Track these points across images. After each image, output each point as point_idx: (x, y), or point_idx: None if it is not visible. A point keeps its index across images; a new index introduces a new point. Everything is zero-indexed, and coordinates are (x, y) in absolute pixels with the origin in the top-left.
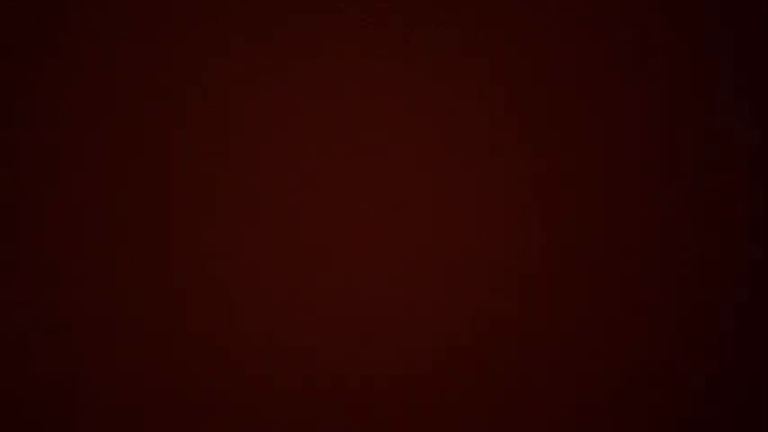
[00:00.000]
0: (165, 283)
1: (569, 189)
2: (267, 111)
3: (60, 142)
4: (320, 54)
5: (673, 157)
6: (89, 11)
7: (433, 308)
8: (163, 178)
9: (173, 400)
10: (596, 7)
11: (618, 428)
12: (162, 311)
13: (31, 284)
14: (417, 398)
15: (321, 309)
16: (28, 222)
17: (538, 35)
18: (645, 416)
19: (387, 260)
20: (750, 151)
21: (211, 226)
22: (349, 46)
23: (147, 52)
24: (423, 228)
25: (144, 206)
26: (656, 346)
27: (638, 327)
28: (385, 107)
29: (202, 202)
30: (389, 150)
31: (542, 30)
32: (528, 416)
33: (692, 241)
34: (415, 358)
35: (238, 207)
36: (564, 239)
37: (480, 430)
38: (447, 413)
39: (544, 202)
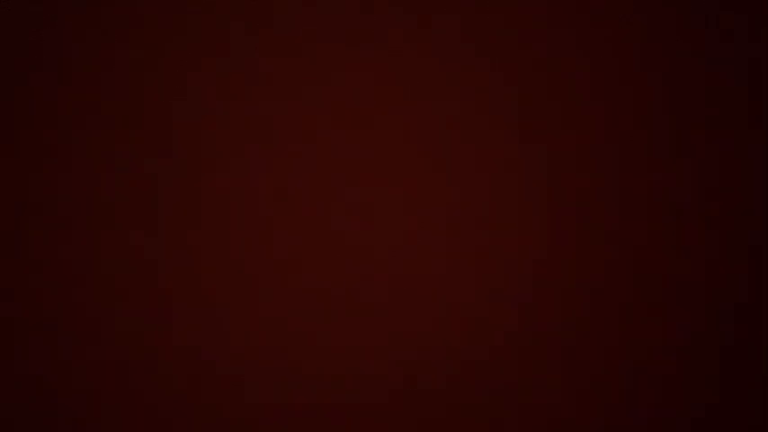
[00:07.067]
0: (164, 286)
1: (574, 186)
2: (265, 109)
3: (50, 142)
4: (315, 50)
5: (676, 154)
6: (84, 9)
7: (435, 309)
8: (154, 181)
9: (168, 408)
10: (599, 2)
11: (623, 428)
12: (160, 316)
13: (22, 290)
14: (422, 403)
15: (323, 311)
16: (14, 227)
17: (540, 25)
18: (650, 416)
19: (388, 261)
20: (754, 149)
21: (209, 227)
22: (346, 40)
23: (137, 54)
24: (424, 227)
25: (134, 209)
26: (662, 345)
27: (644, 325)
28: (385, 104)
29: (197, 204)
30: (391, 150)
31: (545, 19)
32: (534, 416)
33: (696, 241)
34: (419, 361)
35: (233, 211)
36: (570, 238)
37: (485, 430)
38: (452, 415)
39: (551, 198)
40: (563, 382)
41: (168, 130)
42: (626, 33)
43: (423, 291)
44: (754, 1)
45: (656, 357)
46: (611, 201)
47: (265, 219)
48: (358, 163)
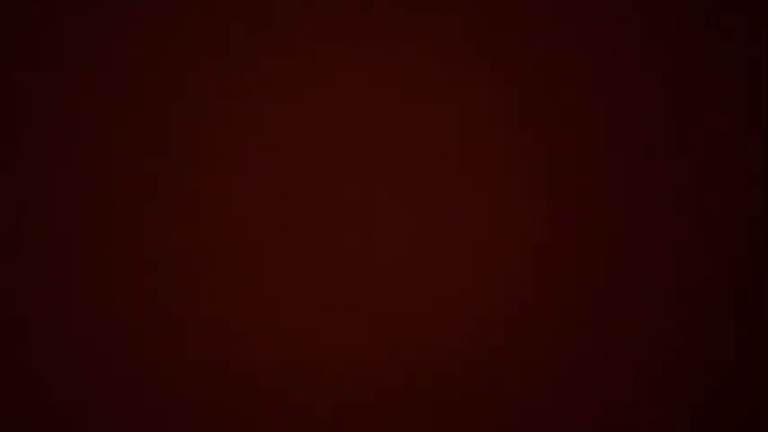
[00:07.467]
0: (168, 284)
1: (574, 186)
2: (265, 109)
3: (50, 142)
4: (315, 50)
5: (676, 154)
6: (83, 9)
7: (436, 308)
8: (154, 181)
9: (174, 412)
10: (600, 7)
11: (623, 428)
12: (166, 315)
13: (22, 290)
14: (425, 402)
15: (323, 311)
16: (14, 227)
17: (540, 25)
18: (650, 416)
19: (388, 261)
20: (755, 150)
21: (209, 227)
22: (346, 40)
23: (137, 54)
24: (424, 227)
25: (134, 209)
26: (662, 345)
27: (644, 325)
28: (384, 104)
29: (197, 204)
30: (391, 150)
31: (545, 19)
32: (534, 416)
33: (696, 241)
34: (419, 361)
35: (233, 211)
36: (570, 238)
37: (488, 430)
38: (452, 415)
39: (551, 198)
40: (563, 382)
41: (168, 130)
42: (626, 33)
43: (423, 291)
44: (754, 1)
45: (656, 357)
46: (611, 201)
47: (265, 219)
48: (358, 163)
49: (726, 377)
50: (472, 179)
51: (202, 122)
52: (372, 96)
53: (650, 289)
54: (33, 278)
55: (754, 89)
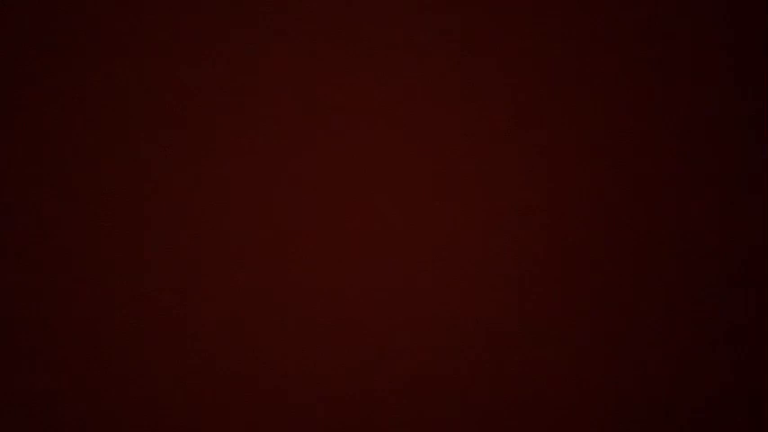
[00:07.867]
0: (169, 283)
1: (575, 186)
2: (265, 109)
3: (49, 142)
4: (316, 50)
5: (676, 154)
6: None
7: (435, 310)
8: (155, 181)
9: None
10: (600, 6)
11: (623, 428)
12: (166, 313)
13: (21, 289)
14: (422, 400)
15: (323, 311)
16: (13, 226)
17: (540, 24)
18: (650, 416)
19: (390, 261)
20: (754, 150)
21: (209, 227)
22: (346, 40)
23: (137, 53)
24: (427, 227)
25: (135, 210)
26: (662, 346)
27: (644, 325)
28: (385, 104)
29: (197, 204)
30: (391, 150)
31: (545, 20)
32: (535, 416)
33: (696, 241)
34: (419, 359)
35: (233, 212)
36: (571, 239)
37: (490, 430)
38: (451, 415)
39: (551, 198)
40: (564, 383)
41: (168, 129)
42: (626, 33)
43: (423, 291)
44: (754, 1)
45: (655, 358)
46: (611, 201)
47: (265, 220)
48: (358, 163)
49: (725, 378)
50: (472, 179)
51: (202, 123)
52: (373, 97)
53: (651, 289)
54: (33, 278)
55: (754, 89)
